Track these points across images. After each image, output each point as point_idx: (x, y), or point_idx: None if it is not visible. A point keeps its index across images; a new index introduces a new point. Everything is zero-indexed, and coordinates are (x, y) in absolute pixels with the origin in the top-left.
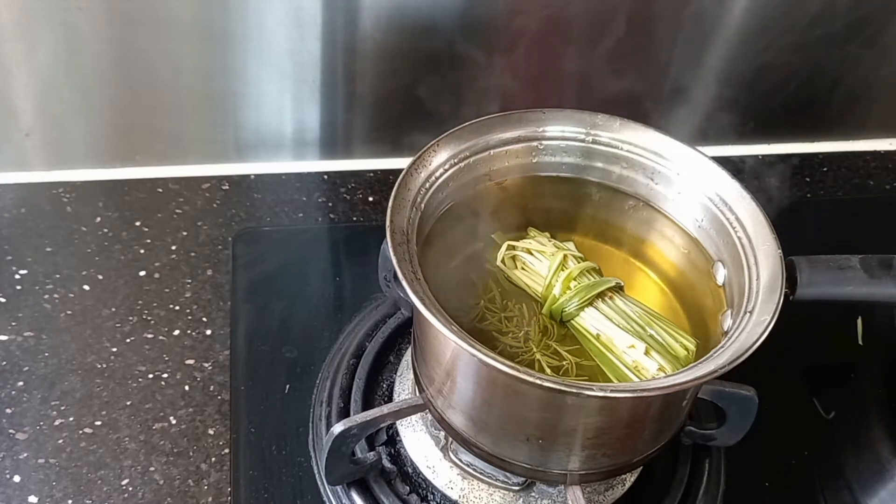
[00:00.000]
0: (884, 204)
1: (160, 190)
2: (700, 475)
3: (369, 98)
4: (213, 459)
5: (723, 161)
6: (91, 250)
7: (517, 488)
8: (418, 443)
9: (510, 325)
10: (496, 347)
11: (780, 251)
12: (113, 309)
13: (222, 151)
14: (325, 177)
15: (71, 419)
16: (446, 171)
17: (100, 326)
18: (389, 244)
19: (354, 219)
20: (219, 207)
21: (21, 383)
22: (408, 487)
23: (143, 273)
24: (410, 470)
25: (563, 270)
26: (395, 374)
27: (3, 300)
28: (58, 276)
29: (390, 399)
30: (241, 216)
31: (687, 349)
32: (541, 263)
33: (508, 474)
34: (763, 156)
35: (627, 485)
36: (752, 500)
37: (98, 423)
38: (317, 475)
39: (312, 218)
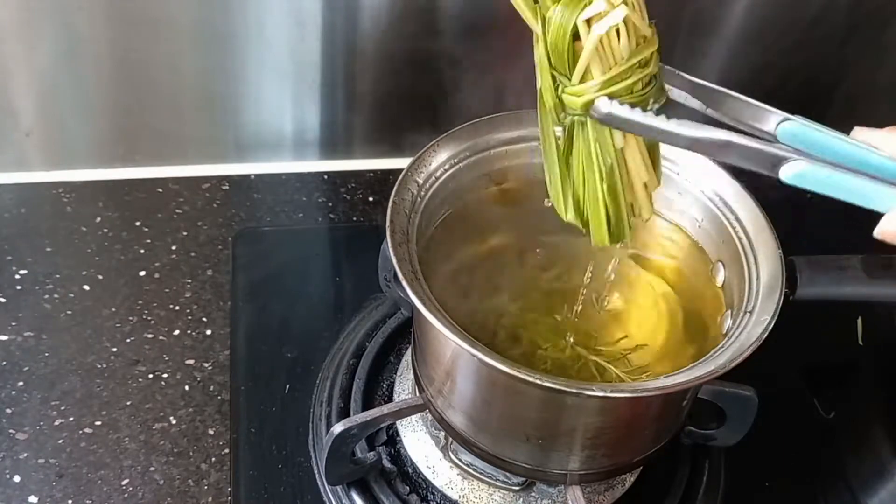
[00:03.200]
0: None
1: (160, 190)
2: (700, 475)
3: (369, 98)
4: (213, 459)
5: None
6: (91, 250)
7: (517, 488)
8: (418, 443)
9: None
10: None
11: (780, 251)
12: (113, 309)
13: (222, 151)
14: (325, 177)
15: (71, 419)
16: (446, 171)
17: (100, 326)
18: (389, 244)
19: (354, 219)
20: (219, 207)
21: (21, 383)
22: (408, 487)
23: (143, 273)
24: (410, 470)
25: (641, 69)
26: (395, 374)
27: (3, 300)
28: (58, 276)
29: (390, 399)
30: (241, 216)
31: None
32: (624, 44)
33: (508, 474)
34: None
35: (627, 485)
36: (752, 500)
37: (98, 423)
38: (317, 475)
39: (312, 218)
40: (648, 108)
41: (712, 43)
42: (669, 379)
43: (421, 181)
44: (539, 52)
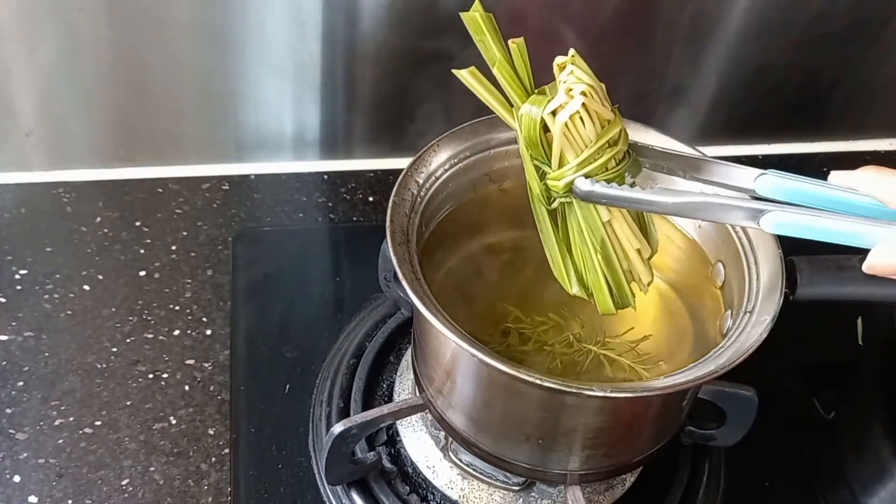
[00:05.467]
0: None
1: (160, 190)
2: (700, 475)
3: (369, 98)
4: (213, 459)
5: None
6: (91, 250)
7: (517, 488)
8: (418, 443)
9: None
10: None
11: (780, 251)
12: (113, 309)
13: (222, 151)
14: (325, 177)
15: (71, 419)
16: (446, 171)
17: (100, 326)
18: (389, 244)
19: (354, 219)
20: (219, 207)
21: (21, 383)
22: (408, 487)
23: (143, 273)
24: (410, 470)
25: (610, 148)
26: (395, 374)
27: (3, 300)
28: (58, 276)
29: (390, 399)
30: (241, 216)
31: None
32: (590, 128)
33: (508, 474)
34: (763, 156)
35: (627, 485)
36: (752, 500)
37: (98, 423)
38: (317, 475)
39: (312, 218)
40: (625, 182)
41: (712, 43)
42: (669, 379)
43: (421, 181)
44: (521, 148)
